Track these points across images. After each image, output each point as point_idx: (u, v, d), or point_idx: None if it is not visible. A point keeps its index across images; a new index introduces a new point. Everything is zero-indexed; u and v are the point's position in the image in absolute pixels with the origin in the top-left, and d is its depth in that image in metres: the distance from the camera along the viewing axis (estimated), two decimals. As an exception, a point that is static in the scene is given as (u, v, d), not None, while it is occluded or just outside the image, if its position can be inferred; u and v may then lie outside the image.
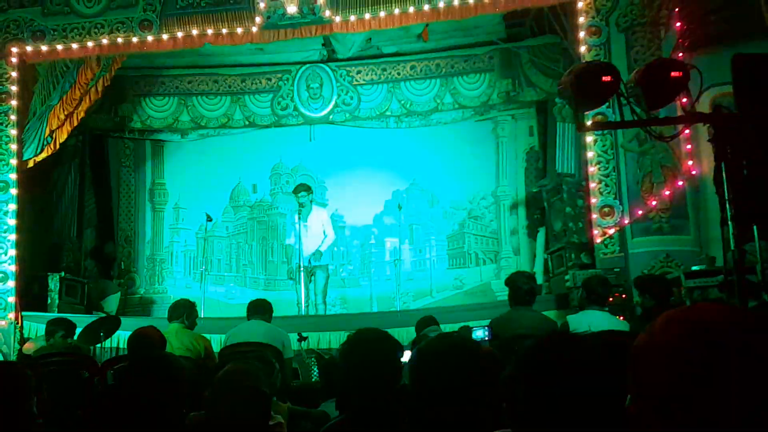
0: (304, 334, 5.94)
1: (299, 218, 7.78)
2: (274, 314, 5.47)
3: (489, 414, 1.70)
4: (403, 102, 9.07)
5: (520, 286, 4.65)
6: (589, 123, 5.73)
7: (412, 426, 1.71)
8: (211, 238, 9.59)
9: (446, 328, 5.70)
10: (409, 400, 1.72)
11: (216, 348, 5.29)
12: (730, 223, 3.61)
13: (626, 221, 6.60)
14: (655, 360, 0.94)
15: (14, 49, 7.57)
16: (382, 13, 7.15)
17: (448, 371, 1.68)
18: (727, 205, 3.63)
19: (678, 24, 6.78)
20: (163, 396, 1.98)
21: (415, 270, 9.30)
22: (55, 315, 6.78)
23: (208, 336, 5.40)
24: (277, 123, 9.31)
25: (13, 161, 7.49)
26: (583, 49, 6.99)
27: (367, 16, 7.18)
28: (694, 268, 5.74)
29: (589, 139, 6.83)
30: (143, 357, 2.34)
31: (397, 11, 7.12)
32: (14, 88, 7.58)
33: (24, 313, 7.17)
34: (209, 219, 8.16)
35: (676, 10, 6.79)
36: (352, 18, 7.22)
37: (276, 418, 3.10)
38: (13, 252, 7.28)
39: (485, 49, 8.83)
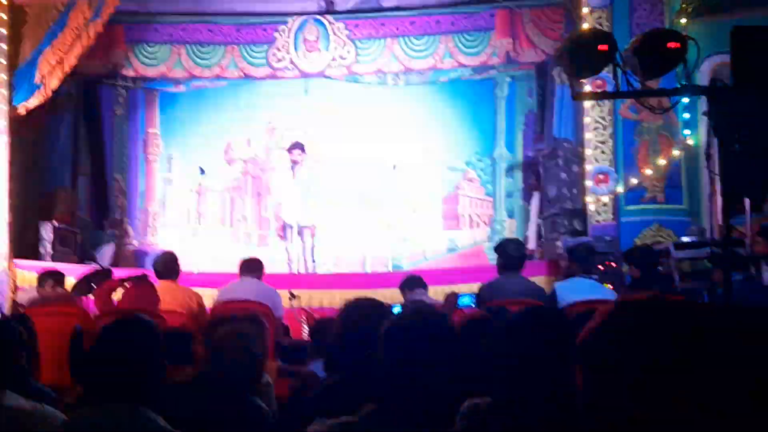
0: (295, 293, 6.00)
1: (292, 176, 7.76)
2: (266, 271, 5.51)
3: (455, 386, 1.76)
4: (401, 58, 8.94)
5: (510, 252, 4.68)
6: (585, 91, 5.69)
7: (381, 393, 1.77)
8: (205, 191, 9.57)
9: (437, 290, 5.77)
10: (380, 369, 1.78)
11: (207, 303, 5.35)
12: (718, 197, 3.63)
13: (620, 189, 6.61)
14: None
15: (4, -9, 7.39)
16: (383, -34, 6.99)
17: (416, 347, 1.74)
18: (717, 179, 3.65)
19: (682, -12, 6.66)
20: (142, 356, 2.03)
21: (409, 230, 9.33)
22: (48, 264, 6.83)
23: (200, 291, 5.44)
24: (273, 75, 9.18)
25: (4, 107, 7.40)
26: (585, 10, 6.88)
27: (368, -32, 7.02)
28: (684, 239, 5.78)
29: (587, 104, 6.78)
30: (128, 318, 2.37)
31: (398, -36, 6.96)
32: (3, 31, 7.43)
33: (16, 261, 7.21)
34: (202, 172, 8.13)
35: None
36: (352, -31, 7.07)
37: (264, 376, 3.16)
38: (6, 200, 7.25)
39: (487, 6, 8.67)
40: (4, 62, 7.42)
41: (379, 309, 2.37)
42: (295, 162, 7.86)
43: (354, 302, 2.43)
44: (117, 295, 4.82)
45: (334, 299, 6.26)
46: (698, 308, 1.10)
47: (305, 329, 5.73)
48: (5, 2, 7.39)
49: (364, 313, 2.31)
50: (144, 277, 4.90)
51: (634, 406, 0.98)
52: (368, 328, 2.15)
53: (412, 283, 5.11)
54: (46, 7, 7.61)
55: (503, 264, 4.58)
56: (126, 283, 4.79)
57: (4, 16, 7.41)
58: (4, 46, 7.42)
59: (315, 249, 8.06)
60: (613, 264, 5.98)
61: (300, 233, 7.78)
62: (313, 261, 7.97)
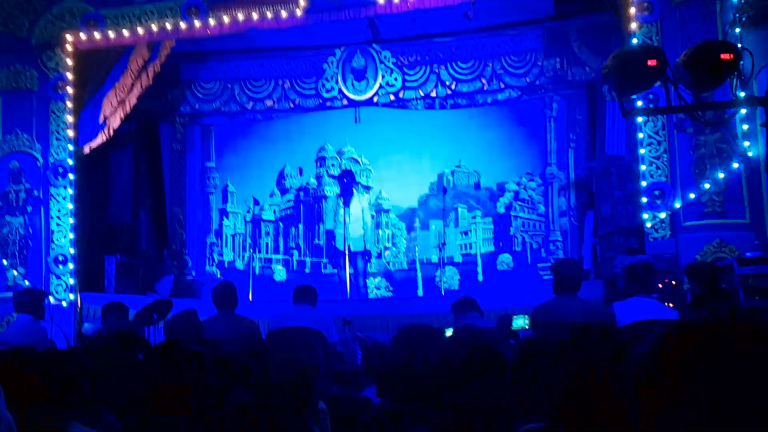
0: (348, 319, 6.03)
1: (343, 203, 7.86)
2: (319, 297, 5.57)
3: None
4: (448, 82, 8.98)
5: (565, 273, 4.59)
6: (638, 105, 5.57)
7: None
8: (259, 221, 9.77)
9: (491, 313, 5.70)
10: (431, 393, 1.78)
11: (263, 331, 5.43)
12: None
13: (678, 205, 6.41)
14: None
15: (69, 38, 7.81)
16: (427, -7, 7.07)
17: (459, 367, 1.73)
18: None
19: (735, -2, 6.48)
20: (188, 382, 2.07)
21: (461, 253, 9.27)
22: (111, 296, 7.08)
23: (255, 319, 5.53)
24: (323, 106, 9.36)
25: (70, 147, 7.78)
26: (633, 26, 6.77)
27: (412, -4, 7.11)
28: (748, 255, 5.55)
29: (640, 120, 6.63)
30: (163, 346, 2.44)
31: (441, -9, 7.03)
32: (70, 76, 7.84)
33: (82, 294, 7.50)
34: (256, 203, 8.27)
35: (734, -18, 6.48)
36: (396, -1, 7.17)
37: (320, 404, 3.17)
38: (71, 235, 7.59)
39: (532, 27, 8.64)
40: (71, 105, 7.82)
41: (430, 335, 2.37)
42: (345, 190, 7.96)
43: (405, 329, 2.44)
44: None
45: (386, 324, 6.26)
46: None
47: (359, 355, 5.74)
48: (70, 49, 7.81)
49: (414, 339, 2.32)
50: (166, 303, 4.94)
51: None
52: (419, 354, 2.16)
53: (465, 306, 5.06)
54: (108, 51, 8.00)
55: (559, 284, 4.49)
56: (155, 314, 4.88)
57: (70, 62, 7.83)
58: (71, 90, 7.82)
59: (367, 274, 8.10)
60: (673, 282, 5.78)
61: (352, 259, 7.84)
62: (365, 286, 8.00)
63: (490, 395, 1.74)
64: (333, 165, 9.66)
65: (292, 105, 9.39)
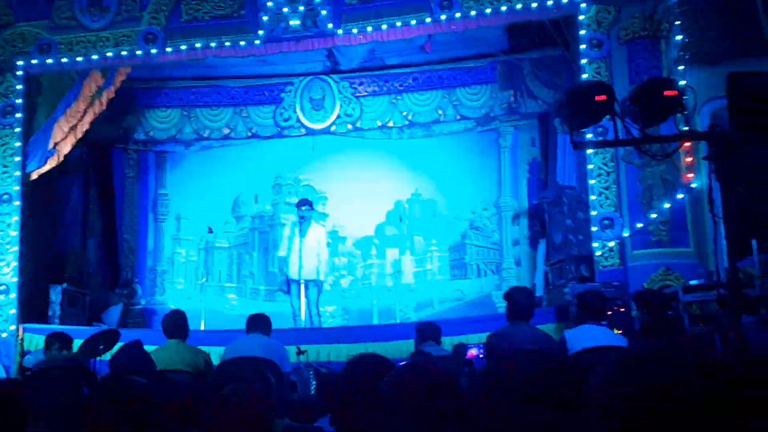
0: (303, 348, 5.96)
1: (299, 231, 7.82)
2: (273, 326, 5.49)
3: None
4: (405, 113, 9.10)
5: (518, 300, 4.64)
6: (588, 138, 5.75)
7: None
8: (212, 248, 9.63)
9: (446, 339, 5.71)
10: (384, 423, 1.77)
11: (215, 361, 5.31)
12: (724, 240, 3.62)
13: (626, 234, 6.60)
14: None
15: (20, 63, 7.65)
16: (385, 26, 7.20)
17: (414, 397, 1.73)
18: (720, 222, 3.65)
19: (678, 37, 6.79)
20: (135, 418, 2.01)
21: (417, 281, 9.31)
22: (56, 327, 6.83)
23: (207, 349, 5.41)
24: (280, 134, 9.36)
25: (17, 173, 7.56)
26: (584, 61, 7.01)
27: (370, 28, 7.23)
28: (692, 282, 5.73)
29: (590, 152, 6.83)
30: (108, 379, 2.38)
31: (399, 24, 7.17)
32: (19, 101, 7.66)
33: (25, 325, 7.22)
34: (210, 231, 8.20)
35: (677, 23, 6.80)
36: (355, 30, 7.28)
37: (271, 435, 3.11)
38: (15, 263, 7.33)
39: (487, 60, 8.86)
40: (19, 130, 7.62)
41: (382, 365, 2.36)
42: (302, 218, 7.92)
43: (357, 359, 2.42)
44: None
45: (341, 353, 6.21)
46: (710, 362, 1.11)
47: (313, 384, 5.67)
48: (21, 73, 7.64)
49: (366, 370, 2.31)
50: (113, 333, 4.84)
51: None
52: (371, 385, 2.14)
53: (425, 333, 5.06)
54: (60, 76, 7.86)
55: (512, 312, 4.54)
56: (101, 345, 4.75)
57: (20, 87, 7.65)
58: (20, 116, 7.63)
59: (320, 303, 8.04)
60: (622, 309, 5.92)
61: (306, 288, 7.77)
62: (318, 315, 7.94)
63: (446, 424, 1.74)
64: (289, 193, 9.62)
65: (249, 133, 9.36)
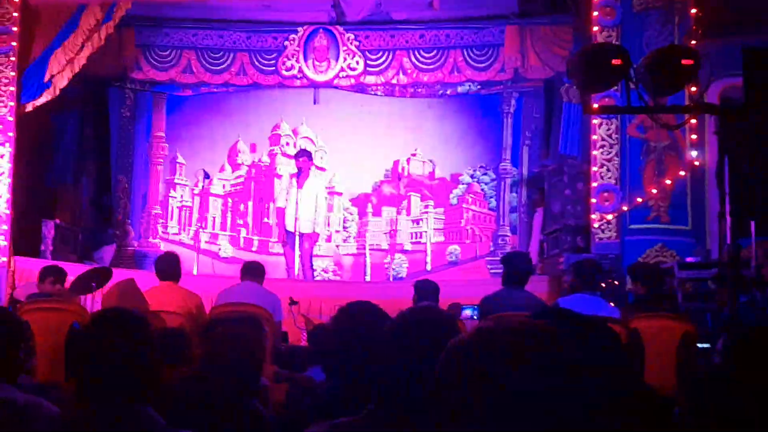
0: (295, 299, 5.96)
1: (296, 183, 7.76)
2: (266, 277, 5.48)
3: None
4: (410, 71, 8.96)
5: (516, 265, 4.65)
6: (595, 105, 5.68)
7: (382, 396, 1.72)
8: (207, 195, 9.55)
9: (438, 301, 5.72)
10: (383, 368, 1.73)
11: (207, 306, 5.31)
12: (727, 217, 3.60)
13: (625, 207, 6.59)
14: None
15: (17, -11, 7.42)
16: (395, -23, 7.02)
17: (420, 342, 1.69)
18: (726, 199, 3.62)
19: (693, 10, 6.67)
20: (127, 350, 1.97)
21: (411, 241, 9.30)
22: (47, 261, 6.79)
23: (200, 293, 5.41)
24: (281, 84, 9.20)
25: (12, 104, 7.41)
26: (595, 29, 6.90)
27: (379, -21, 7.05)
28: (689, 259, 5.75)
29: (595, 122, 6.77)
30: (100, 313, 2.34)
31: (410, -24, 6.99)
32: (15, 29, 7.45)
33: (16, 257, 7.18)
34: (206, 176, 8.12)
35: (693, -5, 6.67)
36: (364, -20, 7.10)
37: (262, 380, 3.11)
38: (8, 196, 7.24)
39: (497, 22, 8.70)
40: (14, 60, 7.44)
41: (374, 312, 2.31)
42: (300, 169, 7.85)
43: (349, 306, 2.38)
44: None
45: (333, 307, 6.22)
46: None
47: (304, 335, 5.69)
48: (17, 0, 7.42)
49: (359, 316, 2.26)
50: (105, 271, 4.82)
51: None
52: (364, 331, 2.11)
53: (424, 291, 5.06)
54: (59, 7, 7.65)
55: (508, 276, 4.54)
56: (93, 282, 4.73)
57: (16, 14, 7.44)
58: (15, 44, 7.44)
59: (313, 257, 8.03)
60: (616, 282, 5.94)
61: (300, 240, 7.75)
62: (312, 269, 7.94)
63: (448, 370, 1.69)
64: (288, 144, 9.51)
65: (249, 80, 9.19)
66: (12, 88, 7.41)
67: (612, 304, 5.12)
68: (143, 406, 1.93)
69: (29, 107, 7.58)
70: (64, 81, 7.67)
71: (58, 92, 7.68)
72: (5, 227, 7.16)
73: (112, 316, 2.16)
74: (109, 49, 8.50)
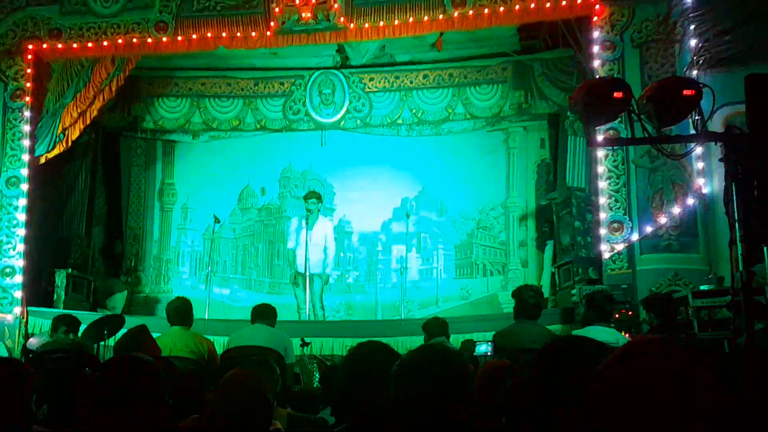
0: (307, 340, 5.93)
1: (306, 224, 7.79)
2: (278, 318, 5.46)
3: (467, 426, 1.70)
4: (414, 110, 9.07)
5: (526, 299, 4.62)
6: (600, 138, 5.71)
7: None
8: (218, 239, 9.61)
9: (451, 339, 5.68)
10: (393, 410, 1.71)
11: (219, 350, 5.29)
12: (738, 243, 3.57)
13: (635, 238, 6.56)
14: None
15: (30, 47, 7.64)
16: (397, 21, 7.17)
17: (428, 383, 1.68)
18: (736, 226, 3.60)
19: (693, 42, 6.75)
20: (136, 395, 1.97)
21: (422, 279, 9.27)
22: (60, 311, 6.82)
23: (211, 338, 5.39)
24: (289, 127, 9.33)
25: (25, 157, 7.55)
26: (596, 63, 6.98)
27: (382, 23, 7.21)
28: (702, 287, 5.69)
29: (600, 153, 6.80)
30: (115, 357, 2.34)
31: (411, 20, 7.14)
32: (29, 85, 7.65)
33: (30, 308, 7.20)
34: (217, 221, 8.18)
35: (692, 27, 6.75)
36: (367, 25, 7.26)
37: (275, 424, 3.09)
38: (21, 247, 7.32)
39: (498, 60, 8.82)
40: (28, 114, 7.61)
41: (387, 352, 2.28)
42: (309, 210, 7.89)
43: (360, 346, 2.35)
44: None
45: (345, 347, 6.18)
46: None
47: (316, 377, 5.64)
48: (30, 57, 7.63)
49: (371, 357, 2.23)
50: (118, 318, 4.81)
51: None
52: (375, 372, 2.08)
53: (433, 330, 5.03)
54: (71, 62, 7.84)
55: (519, 310, 4.51)
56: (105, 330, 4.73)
57: (29, 71, 7.64)
58: (29, 100, 7.62)
59: (324, 297, 8.02)
60: (629, 313, 5.88)
61: (311, 281, 7.76)
62: (322, 309, 7.91)
63: (457, 417, 1.68)
64: (296, 186, 9.60)
65: (258, 125, 9.33)
66: (26, 142, 7.57)
67: (627, 335, 5.06)
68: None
69: (42, 160, 7.72)
70: (76, 132, 7.83)
71: (70, 144, 7.82)
72: (19, 278, 7.22)
73: (122, 362, 2.17)
74: (120, 100, 8.70)
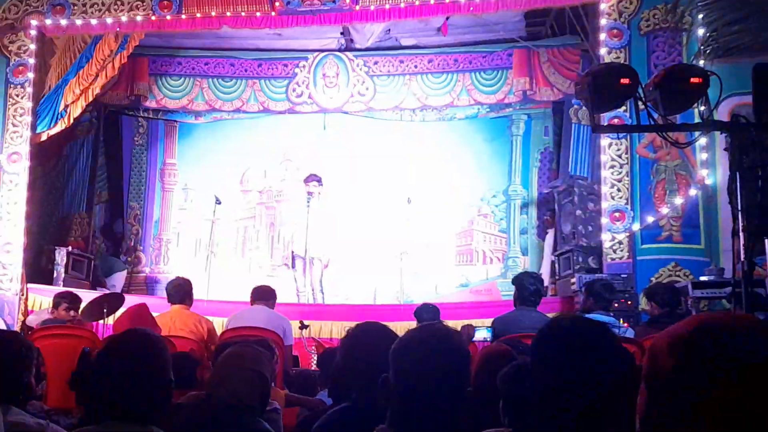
0: (306, 323, 5.94)
1: (306, 208, 7.78)
2: (277, 301, 5.47)
3: (465, 407, 1.69)
4: (418, 95, 9.02)
5: (527, 286, 4.62)
6: (605, 124, 5.68)
7: (393, 415, 1.69)
8: (219, 221, 9.60)
9: (451, 324, 5.68)
10: (391, 389, 1.70)
11: (218, 330, 5.30)
12: (741, 234, 3.56)
13: (636, 227, 6.54)
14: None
15: (33, 22, 7.58)
16: (403, 4, 7.10)
17: (426, 359, 1.67)
18: (739, 216, 3.58)
19: (700, 31, 6.68)
20: (141, 371, 1.96)
21: (421, 265, 9.26)
22: (60, 288, 6.83)
23: (211, 318, 5.40)
24: (292, 110, 9.29)
25: (27, 133, 7.52)
26: (603, 51, 6.92)
27: (388, 6, 7.14)
28: (703, 278, 5.68)
29: (604, 142, 6.76)
30: (120, 334, 2.33)
31: (417, 2, 7.07)
32: (32, 61, 7.60)
33: (29, 285, 7.21)
34: (218, 202, 8.16)
35: (700, 17, 6.69)
36: (372, 7, 7.19)
37: (272, 404, 3.09)
38: (22, 224, 7.31)
39: (504, 46, 8.76)
40: (30, 90, 7.57)
41: (385, 333, 2.28)
42: (310, 194, 7.88)
43: (358, 327, 2.34)
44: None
45: (343, 330, 6.19)
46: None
47: (314, 359, 5.65)
48: (34, 33, 7.58)
49: (369, 338, 2.23)
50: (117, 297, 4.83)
51: None
52: (374, 352, 2.07)
53: (426, 313, 5.03)
54: (74, 39, 7.79)
55: (519, 297, 4.51)
56: (105, 308, 4.74)
57: (32, 46, 7.59)
58: (31, 75, 7.58)
59: (323, 280, 8.02)
60: (629, 302, 5.88)
61: (310, 264, 7.75)
62: (321, 292, 7.92)
63: (454, 387, 1.67)
64: (298, 169, 9.57)
65: (261, 107, 9.29)
66: (28, 118, 7.53)
67: (626, 324, 5.06)
68: (151, 428, 1.92)
69: (44, 136, 7.69)
70: (78, 110, 7.79)
71: (72, 121, 7.79)
72: (19, 255, 7.22)
73: (125, 338, 2.16)
74: (123, 78, 8.64)
